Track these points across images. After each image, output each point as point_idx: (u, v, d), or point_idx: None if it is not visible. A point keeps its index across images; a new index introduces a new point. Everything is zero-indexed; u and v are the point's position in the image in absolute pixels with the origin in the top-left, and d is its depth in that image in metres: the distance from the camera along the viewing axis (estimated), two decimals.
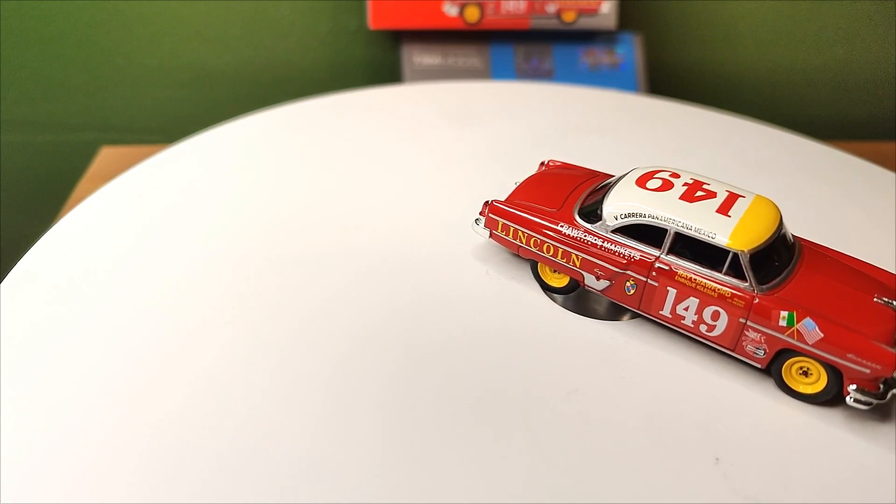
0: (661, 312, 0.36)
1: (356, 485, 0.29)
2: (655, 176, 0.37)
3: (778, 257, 0.34)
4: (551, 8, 0.72)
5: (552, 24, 0.72)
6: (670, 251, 0.35)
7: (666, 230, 0.35)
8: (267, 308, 0.38)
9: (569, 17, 0.72)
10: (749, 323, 0.33)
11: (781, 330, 0.33)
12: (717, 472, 0.31)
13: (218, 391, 0.33)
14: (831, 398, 0.34)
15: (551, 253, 0.38)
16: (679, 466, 0.31)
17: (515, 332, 0.37)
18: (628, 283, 0.36)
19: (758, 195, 0.36)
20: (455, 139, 0.55)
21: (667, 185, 0.36)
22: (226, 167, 0.51)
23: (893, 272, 0.36)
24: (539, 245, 0.39)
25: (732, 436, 0.32)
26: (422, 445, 0.31)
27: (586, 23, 0.73)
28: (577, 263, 0.37)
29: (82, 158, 0.81)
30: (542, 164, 0.45)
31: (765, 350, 0.34)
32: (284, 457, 0.30)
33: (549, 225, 0.38)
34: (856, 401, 0.32)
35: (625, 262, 0.36)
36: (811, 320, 0.32)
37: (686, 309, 0.35)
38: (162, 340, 0.36)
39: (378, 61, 0.81)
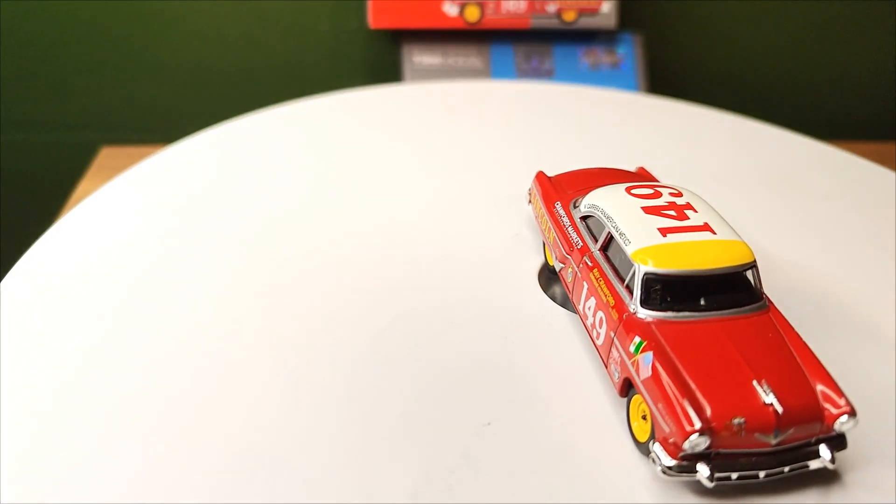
0: (578, 306, 0.35)
1: (366, 488, 0.29)
2: (656, 188, 0.36)
3: (705, 300, 0.31)
4: (551, 7, 0.72)
5: (552, 23, 0.73)
6: (602, 249, 0.34)
7: (604, 228, 0.35)
8: (267, 308, 0.38)
9: (569, 16, 0.72)
10: (615, 339, 0.31)
11: (629, 355, 0.30)
12: (476, 430, 0.31)
13: (218, 391, 0.33)
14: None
15: (542, 226, 0.40)
16: (453, 410, 0.32)
17: (506, 332, 0.37)
18: (569, 270, 0.36)
19: (736, 240, 0.32)
20: (455, 139, 0.55)
21: (652, 196, 0.35)
22: (226, 167, 0.51)
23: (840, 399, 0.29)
24: (540, 217, 0.41)
25: (529, 420, 0.31)
26: (434, 449, 0.31)
27: (586, 22, 0.73)
28: (550, 240, 0.39)
29: (82, 158, 0.81)
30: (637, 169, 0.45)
31: (619, 374, 0.31)
32: (286, 457, 0.30)
33: (551, 200, 0.40)
34: (653, 460, 0.28)
35: (570, 248, 0.36)
36: (650, 355, 0.29)
37: (589, 308, 0.34)
38: (162, 340, 0.36)
39: (378, 61, 0.81)
